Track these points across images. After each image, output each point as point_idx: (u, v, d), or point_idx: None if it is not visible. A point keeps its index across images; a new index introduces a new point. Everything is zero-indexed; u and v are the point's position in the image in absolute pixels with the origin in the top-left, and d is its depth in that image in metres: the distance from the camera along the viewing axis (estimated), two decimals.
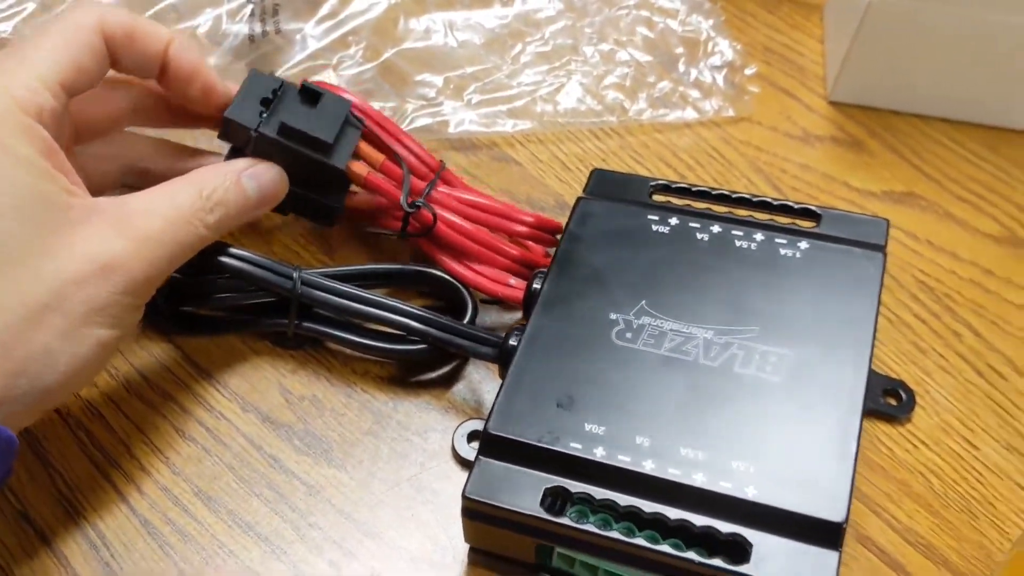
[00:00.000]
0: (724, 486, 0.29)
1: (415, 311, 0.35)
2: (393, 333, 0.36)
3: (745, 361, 0.32)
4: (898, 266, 0.41)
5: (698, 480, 0.29)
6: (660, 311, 0.33)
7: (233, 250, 0.35)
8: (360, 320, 0.35)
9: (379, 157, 0.37)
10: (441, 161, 0.38)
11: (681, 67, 0.46)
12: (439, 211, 0.36)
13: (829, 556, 0.28)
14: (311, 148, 0.35)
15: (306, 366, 0.37)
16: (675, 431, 0.30)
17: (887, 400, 0.37)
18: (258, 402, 0.36)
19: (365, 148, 0.37)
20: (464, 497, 0.30)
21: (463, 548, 0.33)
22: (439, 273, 0.37)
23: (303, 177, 0.36)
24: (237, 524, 0.33)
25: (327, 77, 0.44)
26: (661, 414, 0.31)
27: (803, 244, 0.35)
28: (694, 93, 0.45)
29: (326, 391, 0.36)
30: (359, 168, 0.36)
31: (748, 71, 0.46)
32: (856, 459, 0.29)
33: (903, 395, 0.37)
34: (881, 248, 0.35)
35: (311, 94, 0.36)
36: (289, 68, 0.43)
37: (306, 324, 0.36)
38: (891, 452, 0.36)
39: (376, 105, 0.43)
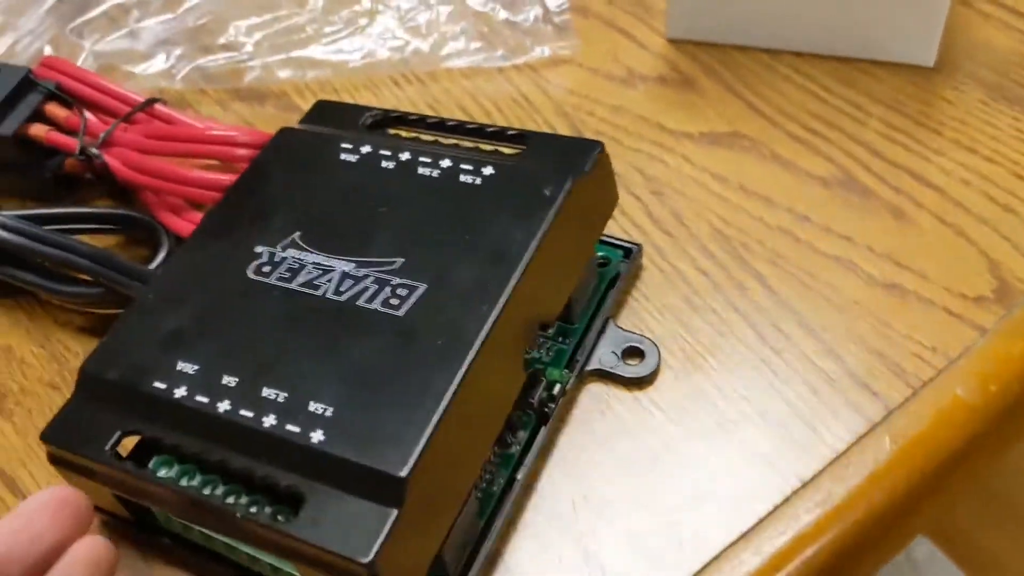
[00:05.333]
0: (291, 430, 0.25)
1: (84, 248, 0.32)
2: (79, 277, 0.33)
3: (373, 296, 0.27)
4: (694, 212, 0.35)
5: (267, 423, 0.25)
6: (310, 243, 0.29)
7: None
8: (36, 258, 0.33)
9: (62, 113, 0.36)
10: (148, 100, 0.36)
11: (494, 7, 0.42)
12: (118, 152, 0.34)
13: (386, 513, 0.23)
14: None
15: (12, 314, 0.35)
16: (265, 370, 0.26)
17: (627, 360, 0.31)
18: None
19: (51, 108, 0.36)
20: (41, 440, 0.27)
21: None
22: (129, 212, 0.34)
23: (2, 157, 0.36)
24: None
25: (136, 24, 0.42)
26: (259, 352, 0.27)
27: (487, 170, 0.30)
28: (510, 35, 0.41)
29: (21, 340, 0.34)
30: (37, 130, 0.35)
31: (559, 7, 0.41)
32: (446, 409, 0.24)
33: (646, 356, 0.31)
34: (577, 172, 0.29)
35: None
36: (93, 17, 0.43)
37: None
38: (620, 421, 0.30)
39: (176, 52, 0.42)
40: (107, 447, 0.26)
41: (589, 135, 0.38)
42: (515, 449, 0.29)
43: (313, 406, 0.25)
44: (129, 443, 0.27)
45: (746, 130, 0.37)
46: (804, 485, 0.28)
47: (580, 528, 0.28)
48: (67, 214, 0.34)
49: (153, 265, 0.33)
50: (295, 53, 0.41)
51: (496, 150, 0.31)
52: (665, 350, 0.31)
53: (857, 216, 0.34)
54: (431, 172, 0.30)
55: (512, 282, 0.27)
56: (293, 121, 0.40)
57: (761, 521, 0.28)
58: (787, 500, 0.28)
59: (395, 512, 0.23)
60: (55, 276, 0.34)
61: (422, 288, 0.27)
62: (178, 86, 0.41)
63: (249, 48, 0.41)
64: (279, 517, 0.24)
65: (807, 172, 0.36)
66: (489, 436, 0.27)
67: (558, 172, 0.29)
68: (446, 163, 0.30)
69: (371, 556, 0.23)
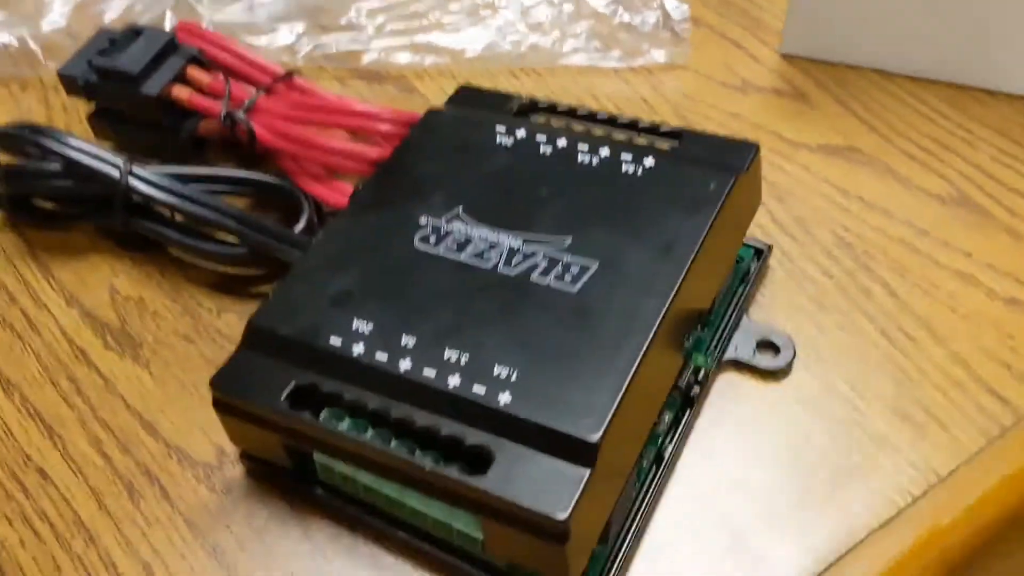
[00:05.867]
0: (477, 391, 0.25)
1: (232, 211, 0.33)
2: (221, 238, 0.34)
3: (545, 271, 0.28)
4: (816, 219, 0.36)
5: (451, 383, 0.26)
6: (475, 217, 0.30)
7: (64, 136, 0.34)
8: (181, 215, 0.33)
9: (205, 79, 0.36)
10: (287, 72, 0.36)
11: (616, 9, 0.43)
12: (263, 120, 0.35)
13: (580, 473, 0.24)
14: (124, 82, 0.36)
15: (142, 267, 0.35)
16: (444, 333, 0.27)
17: (761, 352, 0.32)
18: (84, 298, 0.35)
19: (193, 72, 0.37)
20: (211, 386, 0.28)
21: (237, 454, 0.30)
22: (271, 179, 0.35)
23: (143, 116, 0.37)
24: (26, 408, 0.32)
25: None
26: (436, 317, 0.27)
27: (648, 161, 0.31)
28: (627, 37, 0.42)
29: (154, 293, 0.35)
30: (180, 92, 0.36)
31: (683, 16, 0.42)
32: (630, 382, 0.25)
33: (780, 349, 0.32)
34: (738, 170, 0.30)
35: (135, 34, 0.37)
36: None
37: (135, 219, 0.34)
38: (755, 409, 0.31)
39: (292, 29, 0.42)
40: (282, 397, 0.27)
41: None
42: (661, 428, 0.30)
43: (497, 369, 0.26)
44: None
45: (861, 145, 0.39)
46: (941, 481, 0.29)
47: (722, 508, 0.29)
48: (210, 175, 0.35)
49: (298, 229, 0.33)
50: (416, 38, 0.42)
51: (650, 144, 0.32)
52: (797, 345, 0.32)
53: (974, 233, 0.35)
54: (591, 160, 0.31)
55: (684, 271, 0.28)
56: (414, 102, 0.41)
57: (902, 512, 0.29)
58: (925, 494, 0.29)
59: (588, 472, 0.24)
60: (193, 233, 0.34)
61: (594, 267, 0.28)
62: (300, 62, 0.42)
63: (370, 31, 0.42)
64: (467, 472, 0.25)
65: (923, 189, 0.37)
66: (654, 412, 0.28)
67: (720, 169, 0.30)
68: (605, 152, 0.31)
69: (568, 513, 0.23)
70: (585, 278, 0.28)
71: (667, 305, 0.27)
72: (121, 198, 0.34)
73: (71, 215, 0.36)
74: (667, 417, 0.30)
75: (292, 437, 0.27)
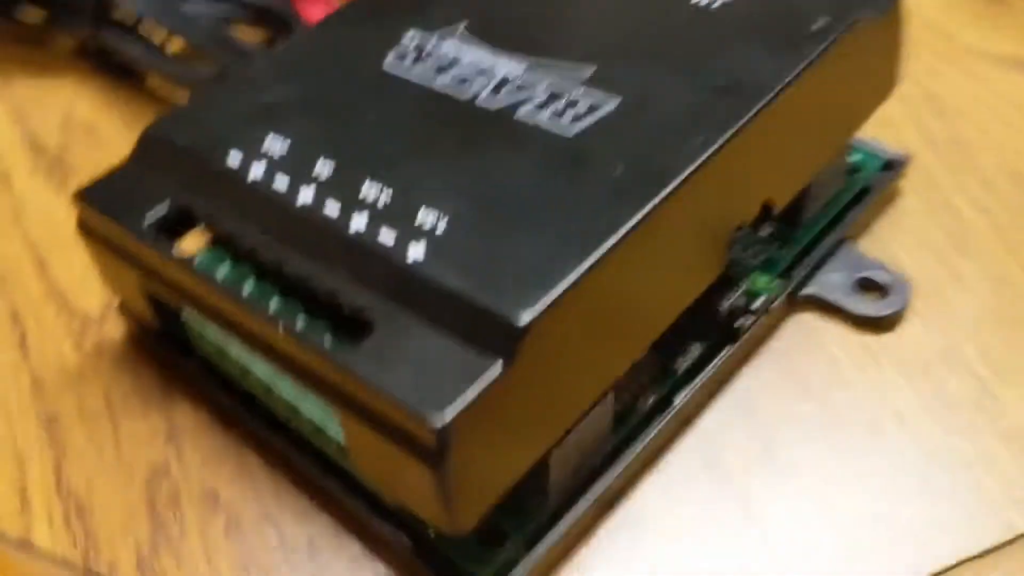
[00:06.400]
0: (383, 240, 0.17)
1: (207, 26, 0.26)
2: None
3: (540, 106, 0.19)
4: (984, 141, 0.26)
5: (355, 225, 0.18)
6: (478, 36, 0.22)
7: None
8: (152, 23, 0.27)
9: None
10: None
11: None
12: None
13: (485, 364, 0.16)
14: None
15: (112, 94, 0.29)
16: (373, 165, 0.19)
17: (861, 293, 0.22)
18: (33, 118, 0.29)
19: None
20: (74, 199, 0.21)
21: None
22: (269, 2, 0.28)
23: None
24: None
25: None
26: (372, 146, 0.20)
27: None
28: None
29: (111, 122, 0.29)
30: None
31: None
32: (602, 257, 0.16)
33: (889, 291, 0.22)
34: (861, 14, 0.21)
35: None
36: None
37: (105, 33, 0.28)
38: (832, 366, 0.21)
39: None
40: (147, 219, 0.20)
41: None
42: (680, 365, 0.21)
43: (423, 215, 0.18)
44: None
45: None
46: None
47: (751, 488, 0.19)
48: None
49: None
50: None
51: None
52: (916, 293, 0.22)
53: None
54: None
55: (747, 117, 0.18)
56: None
57: (1000, 547, 0.18)
58: None
59: (500, 364, 0.16)
60: (162, 53, 0.28)
61: (612, 105, 0.19)
62: None
63: None
64: (336, 344, 0.17)
65: None
66: (652, 327, 0.19)
67: (834, 7, 0.21)
68: None
69: (450, 416, 0.15)
70: (592, 118, 0.19)
71: (707, 156, 0.18)
72: (92, 2, 0.28)
73: (53, 26, 0.30)
74: (693, 350, 0.21)
75: (147, 274, 0.20)
